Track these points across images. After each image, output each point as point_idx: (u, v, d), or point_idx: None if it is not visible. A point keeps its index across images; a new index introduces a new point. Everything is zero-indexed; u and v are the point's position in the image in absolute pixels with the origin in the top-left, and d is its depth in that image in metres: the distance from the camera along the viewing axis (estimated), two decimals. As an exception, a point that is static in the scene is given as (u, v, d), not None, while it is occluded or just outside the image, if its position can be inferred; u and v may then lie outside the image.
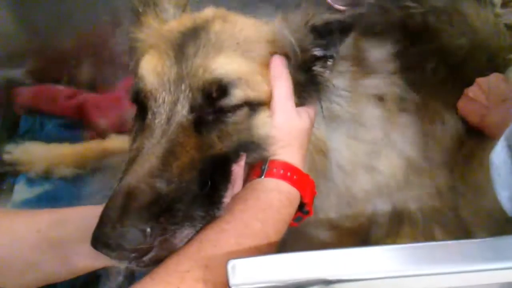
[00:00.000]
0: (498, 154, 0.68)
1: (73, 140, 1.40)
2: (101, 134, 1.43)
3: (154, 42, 0.80)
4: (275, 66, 0.77)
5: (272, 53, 0.79)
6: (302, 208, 0.76)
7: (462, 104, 1.02)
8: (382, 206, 0.97)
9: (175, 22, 0.84)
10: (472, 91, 1.00)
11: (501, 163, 0.67)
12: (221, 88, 0.72)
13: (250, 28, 0.80)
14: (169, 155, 0.68)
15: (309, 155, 0.84)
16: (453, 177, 1.01)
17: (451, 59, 1.06)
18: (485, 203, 0.94)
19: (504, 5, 1.13)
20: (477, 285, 0.52)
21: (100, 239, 0.62)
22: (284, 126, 0.76)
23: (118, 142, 1.39)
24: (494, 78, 1.00)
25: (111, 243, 0.61)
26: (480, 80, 1.01)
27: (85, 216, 0.77)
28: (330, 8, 1.33)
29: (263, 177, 0.73)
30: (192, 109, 0.72)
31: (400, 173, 0.97)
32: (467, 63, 1.06)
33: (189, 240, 0.65)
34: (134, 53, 0.87)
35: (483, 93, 0.97)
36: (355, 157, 0.93)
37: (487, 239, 0.52)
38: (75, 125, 1.47)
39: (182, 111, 0.71)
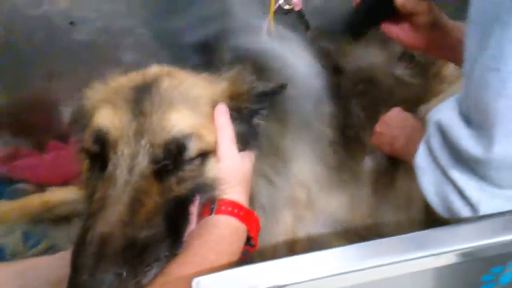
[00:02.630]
0: (421, 156, 0.76)
1: (12, 196, 1.38)
2: (41, 188, 1.42)
3: (106, 97, 0.84)
4: (218, 116, 0.85)
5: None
6: (249, 242, 0.84)
7: (374, 139, 1.14)
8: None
9: (124, 79, 0.89)
10: (379, 126, 1.13)
11: (425, 163, 0.76)
12: (180, 145, 0.79)
13: (196, 87, 0.87)
14: (135, 202, 0.73)
15: None
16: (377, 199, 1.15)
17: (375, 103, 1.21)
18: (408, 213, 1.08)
19: (400, 57, 1.30)
20: (410, 273, 0.61)
21: (79, 287, 0.64)
22: (230, 169, 0.84)
23: (58, 195, 1.39)
24: (393, 111, 1.13)
25: None
26: (382, 117, 1.14)
27: (42, 266, 0.79)
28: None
29: (213, 214, 0.81)
30: (153, 161, 0.77)
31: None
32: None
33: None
34: (80, 109, 0.90)
35: (388, 126, 1.11)
36: (274, 202, 1.02)
37: (412, 234, 0.62)
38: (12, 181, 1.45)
39: (143, 163, 0.76)
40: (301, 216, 1.07)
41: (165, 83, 0.84)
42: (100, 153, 0.79)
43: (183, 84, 0.86)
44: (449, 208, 0.74)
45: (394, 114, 1.11)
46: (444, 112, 0.73)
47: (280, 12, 1.45)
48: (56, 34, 1.33)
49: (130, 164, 0.76)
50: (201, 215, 0.83)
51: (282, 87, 0.90)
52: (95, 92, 0.89)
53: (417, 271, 0.62)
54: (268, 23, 1.45)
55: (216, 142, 0.84)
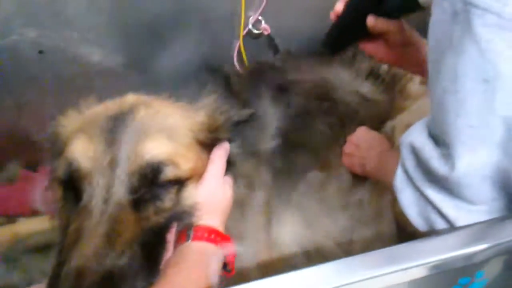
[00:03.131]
0: (399, 178, 0.80)
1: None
2: (10, 219, 1.39)
3: (81, 127, 0.84)
4: (219, 149, 0.91)
5: (194, 139, 0.88)
6: (225, 267, 0.85)
7: (344, 160, 1.17)
8: None
9: (99, 108, 0.90)
10: (347, 148, 1.16)
11: (403, 185, 0.79)
12: (155, 170, 0.79)
13: (174, 116, 0.88)
14: (112, 233, 0.72)
15: None
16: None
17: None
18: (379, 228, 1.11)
19: (369, 75, 1.36)
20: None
21: None
22: (209, 195, 0.86)
23: (28, 225, 1.37)
24: (360, 132, 1.17)
25: None
26: (350, 137, 1.17)
27: None
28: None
29: (190, 241, 0.81)
30: (129, 191, 0.77)
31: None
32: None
33: None
34: (55, 137, 0.90)
35: (356, 147, 1.14)
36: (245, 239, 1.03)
37: (381, 250, 0.65)
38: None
39: (119, 193, 0.76)
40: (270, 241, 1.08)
41: (141, 112, 0.84)
42: (73, 184, 0.79)
43: (160, 113, 0.86)
44: (431, 226, 0.78)
45: (361, 134, 1.15)
46: (415, 135, 0.78)
47: (250, 36, 1.50)
48: (25, 64, 1.32)
49: (105, 194, 0.75)
50: (177, 242, 0.82)
51: (252, 115, 0.94)
52: (70, 121, 0.90)
53: (387, 286, 0.64)
54: (237, 47, 1.49)
55: (193, 170, 0.85)
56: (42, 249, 1.33)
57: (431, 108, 0.74)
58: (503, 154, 0.67)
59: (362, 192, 1.16)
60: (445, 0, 0.65)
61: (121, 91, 0.96)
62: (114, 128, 0.81)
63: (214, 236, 0.82)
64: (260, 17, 1.47)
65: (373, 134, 1.14)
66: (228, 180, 0.92)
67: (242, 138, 0.96)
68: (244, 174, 1.00)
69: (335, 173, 1.17)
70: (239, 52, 1.51)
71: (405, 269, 0.63)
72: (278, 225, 1.07)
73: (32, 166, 1.49)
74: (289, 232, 1.09)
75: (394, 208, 1.09)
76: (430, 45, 0.70)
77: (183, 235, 0.83)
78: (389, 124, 1.26)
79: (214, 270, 0.79)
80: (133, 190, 0.77)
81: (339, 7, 1.01)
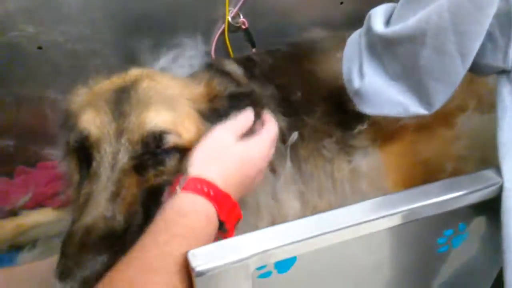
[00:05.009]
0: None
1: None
2: (13, 212, 1.43)
3: (89, 101, 0.92)
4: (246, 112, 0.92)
5: (194, 109, 0.94)
6: (222, 227, 0.77)
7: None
8: None
9: (105, 83, 0.97)
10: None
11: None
12: (156, 137, 0.86)
13: (174, 87, 0.94)
14: (116, 195, 0.80)
15: None
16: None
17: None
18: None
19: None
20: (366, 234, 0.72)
21: (64, 272, 0.71)
22: (208, 144, 0.83)
23: (31, 217, 1.40)
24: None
25: (75, 273, 0.70)
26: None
27: (37, 270, 0.82)
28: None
29: (179, 191, 0.75)
30: (132, 158, 0.84)
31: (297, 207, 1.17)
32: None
33: None
34: (67, 114, 0.97)
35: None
36: (255, 197, 1.08)
37: (367, 201, 0.73)
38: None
39: (124, 159, 0.83)
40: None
41: (144, 84, 0.91)
42: (84, 152, 0.86)
43: (161, 84, 0.93)
44: (349, 79, 0.91)
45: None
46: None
47: (230, 30, 1.56)
48: (25, 60, 1.36)
49: (112, 161, 0.83)
50: (169, 193, 0.84)
51: (251, 93, 1.00)
52: (79, 97, 0.97)
53: (374, 231, 0.72)
54: (216, 40, 1.55)
55: (194, 142, 0.89)
56: (44, 241, 1.37)
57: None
58: None
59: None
60: None
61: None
62: (118, 100, 0.88)
63: (207, 188, 0.75)
64: (239, 11, 1.52)
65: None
66: (263, 140, 0.88)
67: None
68: None
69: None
70: (217, 46, 1.56)
71: (389, 215, 0.70)
72: (287, 194, 1.13)
73: (31, 162, 1.53)
74: (296, 201, 1.15)
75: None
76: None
77: (174, 186, 0.80)
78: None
79: (206, 232, 0.71)
80: (137, 157, 0.84)
81: None
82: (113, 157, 0.83)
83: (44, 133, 1.43)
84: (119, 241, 0.76)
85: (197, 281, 0.62)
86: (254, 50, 1.60)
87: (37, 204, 1.43)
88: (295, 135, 1.15)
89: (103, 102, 0.88)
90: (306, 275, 0.77)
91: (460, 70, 0.75)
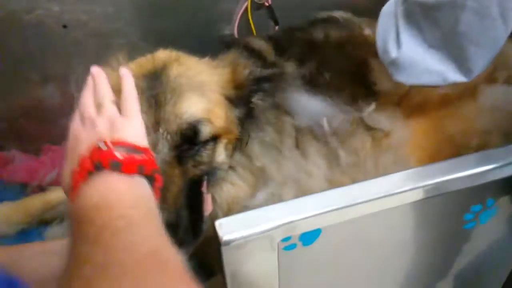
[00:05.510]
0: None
1: (13, 197, 1.42)
2: (41, 188, 1.46)
3: (119, 86, 0.87)
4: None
5: (223, 95, 0.94)
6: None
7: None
8: None
9: (134, 65, 0.95)
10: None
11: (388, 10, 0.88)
12: (193, 128, 0.86)
13: (203, 73, 0.93)
14: (163, 188, 0.76)
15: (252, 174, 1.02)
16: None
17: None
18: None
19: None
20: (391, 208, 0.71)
21: None
22: None
23: (58, 193, 1.43)
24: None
25: None
26: None
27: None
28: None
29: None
30: (172, 148, 0.84)
31: (321, 179, 1.17)
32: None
33: None
34: None
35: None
36: (283, 173, 1.10)
37: (393, 174, 0.72)
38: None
39: (164, 150, 0.83)
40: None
41: (174, 70, 0.91)
42: None
43: (191, 70, 0.92)
44: (385, 50, 0.89)
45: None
46: None
47: (253, 7, 1.54)
48: (50, 38, 1.37)
49: (152, 152, 0.81)
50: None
51: (280, 73, 0.99)
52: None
53: (399, 205, 0.71)
54: (239, 18, 1.54)
55: (224, 128, 0.91)
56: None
57: None
58: None
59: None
60: None
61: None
62: (151, 88, 0.87)
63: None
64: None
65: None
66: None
67: (265, 93, 1.01)
68: (270, 122, 1.07)
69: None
70: (240, 24, 1.55)
71: (416, 188, 0.69)
72: (308, 163, 1.14)
73: (56, 141, 1.55)
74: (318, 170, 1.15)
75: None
76: None
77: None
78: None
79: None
80: (176, 147, 0.85)
81: None
82: (153, 148, 0.82)
83: (70, 112, 1.45)
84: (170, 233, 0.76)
85: (223, 250, 0.63)
86: (277, 28, 1.58)
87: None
88: (325, 122, 1.16)
89: (137, 89, 0.85)
90: (330, 249, 0.77)
91: (502, 34, 0.73)
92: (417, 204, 0.73)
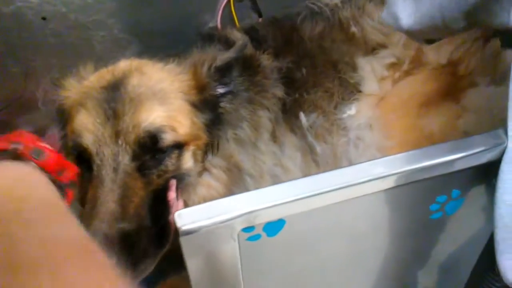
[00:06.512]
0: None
1: None
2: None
3: (80, 99, 0.90)
4: None
5: (186, 101, 0.93)
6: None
7: None
8: None
9: (95, 77, 0.95)
10: None
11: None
12: (153, 137, 0.86)
13: (164, 81, 0.93)
14: (124, 198, 0.80)
15: (227, 172, 1.02)
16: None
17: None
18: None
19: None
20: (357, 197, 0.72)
21: None
22: None
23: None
24: None
25: None
26: None
27: None
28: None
29: None
30: (133, 158, 0.84)
31: (296, 173, 1.18)
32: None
33: None
34: (60, 110, 0.98)
35: None
36: (260, 167, 1.11)
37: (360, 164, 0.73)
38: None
39: (124, 161, 0.83)
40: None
41: (134, 80, 0.90)
42: (84, 157, 0.86)
43: (151, 79, 0.92)
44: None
45: None
46: None
47: (235, -1, 1.53)
48: (30, 30, 1.37)
49: (112, 163, 0.82)
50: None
51: (243, 46, 0.98)
52: (70, 92, 0.96)
53: (365, 194, 0.71)
54: (222, 10, 1.53)
55: (189, 136, 0.91)
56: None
57: None
58: None
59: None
60: None
61: (121, 56, 1.02)
62: (110, 99, 0.87)
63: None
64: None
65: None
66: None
67: (234, 85, 1.01)
68: (245, 118, 1.07)
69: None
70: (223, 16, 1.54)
71: (381, 177, 0.70)
72: (284, 157, 1.15)
73: (39, 135, 1.55)
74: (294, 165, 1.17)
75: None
76: None
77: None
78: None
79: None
80: (137, 158, 0.84)
81: None
82: (114, 159, 0.82)
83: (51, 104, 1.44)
84: (131, 245, 0.76)
85: (182, 241, 0.63)
86: (260, 19, 1.57)
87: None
88: (302, 117, 1.17)
89: (94, 102, 0.87)
90: (296, 239, 0.78)
91: None
92: (383, 194, 0.73)
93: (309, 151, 1.22)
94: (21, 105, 1.49)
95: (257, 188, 1.07)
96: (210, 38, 1.26)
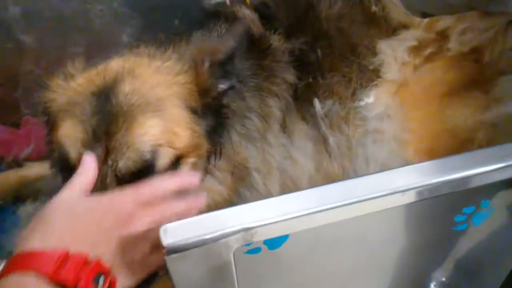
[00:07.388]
0: None
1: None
2: (17, 163, 1.40)
3: (67, 105, 0.81)
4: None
5: (185, 108, 0.83)
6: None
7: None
8: None
9: (83, 79, 0.85)
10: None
11: None
12: (146, 160, 0.76)
13: (161, 86, 0.82)
14: None
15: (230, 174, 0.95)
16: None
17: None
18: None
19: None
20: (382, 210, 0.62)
21: None
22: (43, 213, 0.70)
23: (35, 169, 1.36)
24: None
25: None
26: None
27: None
28: None
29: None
30: (122, 181, 0.75)
31: (307, 166, 1.09)
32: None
33: None
34: (46, 113, 0.88)
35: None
36: (269, 162, 1.03)
37: (378, 173, 0.62)
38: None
39: (113, 185, 0.75)
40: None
41: (126, 87, 0.80)
42: (69, 168, 0.77)
43: (146, 84, 0.82)
44: None
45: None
46: None
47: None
48: (25, 3, 1.29)
49: (100, 186, 0.75)
50: None
51: (242, 31, 0.88)
52: (56, 95, 0.86)
53: (387, 208, 0.62)
54: None
55: (189, 147, 0.82)
56: (48, 194, 1.34)
57: None
58: None
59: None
60: None
61: (120, 31, 0.96)
62: (99, 111, 0.77)
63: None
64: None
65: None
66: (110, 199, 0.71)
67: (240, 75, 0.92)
68: (253, 108, 0.99)
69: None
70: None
71: (402, 191, 0.60)
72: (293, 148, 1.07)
73: (35, 112, 1.48)
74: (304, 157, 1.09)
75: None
76: None
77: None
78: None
79: None
80: (127, 181, 0.75)
81: None
82: (101, 181, 0.75)
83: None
84: None
85: (168, 260, 0.55)
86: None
87: (40, 156, 1.39)
88: (317, 103, 1.08)
89: (81, 110, 0.78)
90: (301, 251, 0.69)
91: None
92: (400, 208, 0.64)
93: (321, 141, 1.13)
94: (17, 83, 1.42)
95: (264, 183, 1.01)
96: (216, 15, 1.15)
